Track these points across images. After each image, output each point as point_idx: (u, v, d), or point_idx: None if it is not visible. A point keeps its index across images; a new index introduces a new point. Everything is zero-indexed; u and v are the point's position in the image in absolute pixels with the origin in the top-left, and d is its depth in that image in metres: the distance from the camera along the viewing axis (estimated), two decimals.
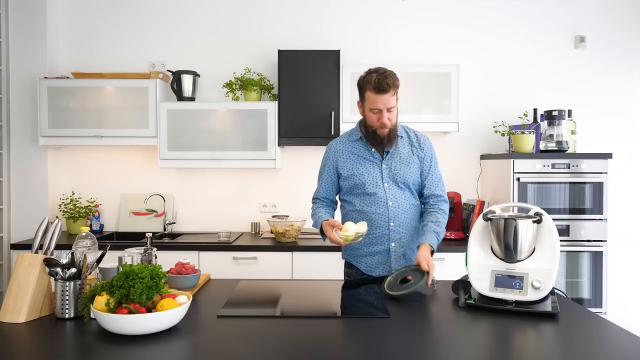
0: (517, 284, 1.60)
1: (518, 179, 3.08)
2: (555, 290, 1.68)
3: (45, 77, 3.32)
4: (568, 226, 3.08)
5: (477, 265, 1.69)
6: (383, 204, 2.02)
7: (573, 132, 3.26)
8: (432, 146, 2.15)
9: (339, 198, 2.21)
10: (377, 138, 2.03)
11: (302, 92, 3.25)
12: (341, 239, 1.86)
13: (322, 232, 2.03)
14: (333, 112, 3.24)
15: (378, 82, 1.93)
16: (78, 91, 3.27)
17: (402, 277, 1.83)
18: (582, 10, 3.58)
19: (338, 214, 2.17)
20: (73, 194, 3.56)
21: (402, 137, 2.11)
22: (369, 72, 1.99)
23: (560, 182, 3.08)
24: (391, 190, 2.03)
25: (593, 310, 3.01)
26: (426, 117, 3.25)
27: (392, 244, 2.03)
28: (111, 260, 1.73)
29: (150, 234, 1.94)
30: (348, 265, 2.18)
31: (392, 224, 2.02)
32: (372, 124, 2.01)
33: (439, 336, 1.39)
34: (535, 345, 1.34)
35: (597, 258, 3.09)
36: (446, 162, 3.41)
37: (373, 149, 2.07)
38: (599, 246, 3.09)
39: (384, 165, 2.05)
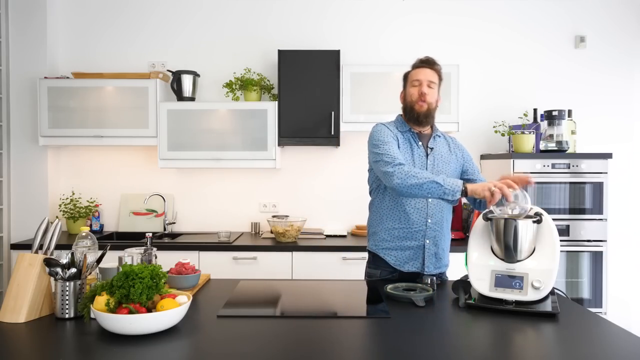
0: (517, 284, 1.60)
1: None
2: (555, 290, 1.68)
3: (45, 77, 3.32)
4: (568, 226, 3.08)
5: (477, 265, 1.69)
6: (423, 200, 2.01)
7: (573, 132, 3.26)
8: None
9: (372, 190, 2.13)
10: (414, 114, 2.03)
11: (302, 92, 3.25)
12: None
13: (463, 193, 1.80)
14: (333, 112, 3.23)
15: (424, 58, 2.06)
16: (78, 91, 3.27)
17: (409, 287, 1.83)
18: (582, 10, 3.58)
19: (364, 210, 2.10)
20: (73, 194, 3.56)
21: (440, 137, 2.13)
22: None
23: (560, 182, 3.08)
24: None
25: (593, 310, 3.01)
26: None
27: (427, 241, 2.01)
28: (111, 260, 1.73)
29: (150, 234, 1.94)
30: (372, 265, 2.12)
31: (429, 220, 2.01)
32: (411, 98, 2.04)
33: (439, 336, 1.39)
34: (535, 345, 1.34)
35: (597, 258, 3.09)
36: None
37: (420, 142, 2.07)
38: (599, 246, 3.09)
39: (429, 160, 2.05)
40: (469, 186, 1.79)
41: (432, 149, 2.07)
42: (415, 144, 2.06)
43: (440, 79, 2.08)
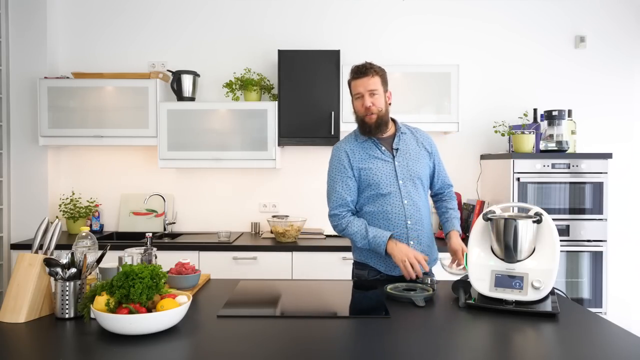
0: (517, 284, 1.60)
1: (518, 179, 3.08)
2: (555, 290, 1.68)
3: (45, 77, 3.32)
4: (568, 226, 3.08)
5: (477, 265, 1.69)
6: (399, 204, 2.00)
7: (573, 132, 3.26)
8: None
9: None
10: (366, 127, 2.02)
11: (302, 92, 3.25)
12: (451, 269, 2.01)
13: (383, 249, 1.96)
14: (333, 112, 3.23)
15: (357, 67, 2.01)
16: (78, 91, 3.27)
17: (409, 287, 1.83)
18: (582, 10, 3.58)
19: None
20: (73, 194, 3.56)
21: (405, 133, 2.11)
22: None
23: (560, 182, 3.08)
24: (406, 188, 2.01)
25: (593, 310, 3.01)
26: (426, 117, 3.25)
27: (411, 242, 2.01)
28: (111, 260, 1.73)
29: (150, 234, 1.94)
30: (359, 267, 2.13)
31: (409, 222, 2.01)
32: (358, 112, 2.03)
33: (439, 336, 1.39)
34: (535, 345, 1.34)
35: (597, 258, 3.09)
36: (446, 162, 3.37)
37: (383, 147, 2.05)
38: (599, 246, 3.09)
39: (396, 163, 2.03)
40: (389, 247, 1.93)
41: (397, 149, 2.05)
42: (378, 150, 2.05)
43: (382, 80, 2.03)
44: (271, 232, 3.36)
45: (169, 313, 1.36)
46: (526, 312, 1.56)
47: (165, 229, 3.49)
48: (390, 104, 2.08)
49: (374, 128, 2.02)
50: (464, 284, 1.71)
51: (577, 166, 3.08)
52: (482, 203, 3.26)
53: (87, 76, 3.35)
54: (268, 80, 3.51)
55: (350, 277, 2.21)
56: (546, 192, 3.09)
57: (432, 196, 2.24)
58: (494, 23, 3.59)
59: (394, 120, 2.13)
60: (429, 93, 3.26)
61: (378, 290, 1.88)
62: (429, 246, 2.08)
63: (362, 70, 1.99)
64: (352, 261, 2.19)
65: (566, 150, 3.12)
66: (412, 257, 1.87)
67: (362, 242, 1.99)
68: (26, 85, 3.38)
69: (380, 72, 2.02)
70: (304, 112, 3.26)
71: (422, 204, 2.06)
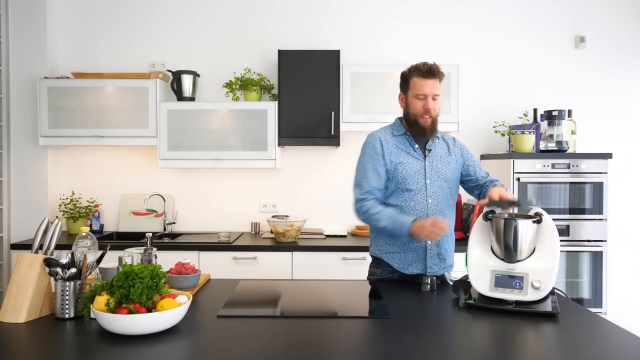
0: (517, 284, 1.60)
1: (518, 179, 3.08)
2: (555, 290, 1.68)
3: (45, 77, 3.32)
4: (568, 226, 3.08)
5: (477, 265, 1.69)
6: (423, 201, 1.99)
7: (573, 132, 3.26)
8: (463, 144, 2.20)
9: None
10: (419, 128, 2.00)
11: (302, 92, 3.25)
12: None
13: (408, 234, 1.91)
14: (333, 112, 3.23)
15: (428, 67, 1.96)
16: (78, 91, 3.27)
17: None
18: (582, 10, 3.58)
19: None
20: (73, 194, 3.56)
21: (438, 138, 2.10)
22: (416, 64, 2.01)
23: (560, 182, 3.08)
24: (432, 187, 2.01)
25: (593, 310, 3.00)
26: None
27: (429, 242, 2.00)
28: (111, 260, 1.73)
29: (150, 234, 1.94)
30: (374, 264, 2.13)
31: None
32: (415, 112, 1.99)
33: (439, 336, 1.39)
34: (535, 345, 1.34)
35: (597, 258, 3.09)
36: None
37: (416, 146, 2.05)
38: (599, 246, 3.09)
39: (427, 162, 2.03)
40: (414, 226, 1.86)
41: (430, 150, 2.06)
42: (411, 148, 2.05)
43: (440, 85, 2.03)
44: (271, 232, 3.36)
45: (169, 313, 1.36)
46: (526, 312, 1.56)
47: (165, 229, 3.49)
48: (439, 113, 2.07)
49: (429, 132, 2.01)
50: (464, 284, 1.71)
51: (577, 166, 3.08)
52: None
53: (87, 76, 3.35)
54: (268, 80, 3.51)
55: (350, 277, 2.22)
56: (546, 192, 3.09)
57: (478, 194, 2.12)
58: (494, 23, 3.59)
59: None
60: None
61: (378, 290, 1.88)
62: (447, 250, 2.06)
63: (432, 72, 1.96)
64: (364, 260, 2.19)
65: (566, 150, 3.12)
66: (434, 226, 1.81)
67: (387, 221, 1.92)
68: (26, 85, 3.38)
69: (443, 76, 2.01)
70: (304, 112, 3.26)
71: (446, 206, 2.04)
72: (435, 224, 1.81)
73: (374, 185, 2.00)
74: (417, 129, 2.01)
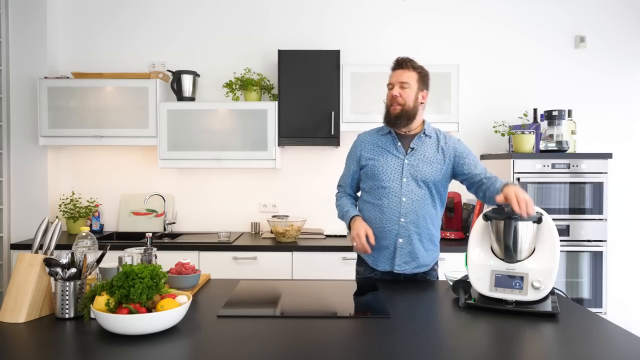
0: (517, 284, 1.60)
1: (518, 179, 3.08)
2: (555, 290, 1.68)
3: (45, 77, 3.32)
4: (568, 226, 3.08)
5: (477, 265, 1.69)
6: (396, 199, 2.01)
7: (573, 132, 3.26)
8: (461, 141, 2.11)
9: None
10: (389, 118, 2.05)
11: (302, 92, 3.25)
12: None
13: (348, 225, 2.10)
14: (333, 112, 3.23)
15: (398, 59, 2.07)
16: (78, 91, 3.28)
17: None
18: (582, 10, 3.58)
19: None
20: (73, 194, 3.56)
21: (430, 136, 2.09)
22: None
23: (560, 182, 3.08)
24: (408, 187, 2.01)
25: (593, 310, 3.01)
26: (426, 117, 3.22)
27: (400, 240, 2.01)
28: (111, 260, 1.73)
29: (150, 234, 1.94)
30: (358, 263, 2.21)
31: (402, 220, 2.00)
32: (387, 102, 2.08)
33: (439, 336, 1.39)
34: (535, 345, 1.34)
35: (597, 258, 3.09)
36: None
37: (399, 143, 2.07)
38: (599, 246, 3.09)
39: (406, 161, 2.04)
40: (352, 222, 2.06)
41: (413, 149, 2.05)
42: (393, 146, 2.07)
43: (419, 77, 2.05)
44: (271, 232, 3.36)
45: (169, 313, 1.36)
46: (526, 312, 1.56)
47: (165, 229, 3.49)
48: (422, 103, 2.09)
49: (394, 119, 2.04)
50: (464, 284, 1.71)
51: (577, 166, 3.08)
52: (482, 203, 3.26)
53: (87, 76, 3.35)
54: (268, 80, 3.51)
55: (350, 277, 2.22)
56: (546, 192, 3.09)
57: (477, 191, 2.05)
58: (493, 22, 3.59)
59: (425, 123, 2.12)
60: (429, 93, 3.24)
61: (377, 289, 1.88)
62: (422, 249, 2.04)
63: (399, 63, 2.06)
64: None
65: (566, 150, 3.12)
66: (361, 232, 1.96)
67: (339, 211, 2.18)
68: (26, 85, 3.38)
69: (419, 70, 2.07)
70: (304, 112, 3.26)
71: (423, 207, 2.02)
72: (359, 235, 1.96)
73: (346, 181, 2.22)
74: (387, 117, 2.07)
